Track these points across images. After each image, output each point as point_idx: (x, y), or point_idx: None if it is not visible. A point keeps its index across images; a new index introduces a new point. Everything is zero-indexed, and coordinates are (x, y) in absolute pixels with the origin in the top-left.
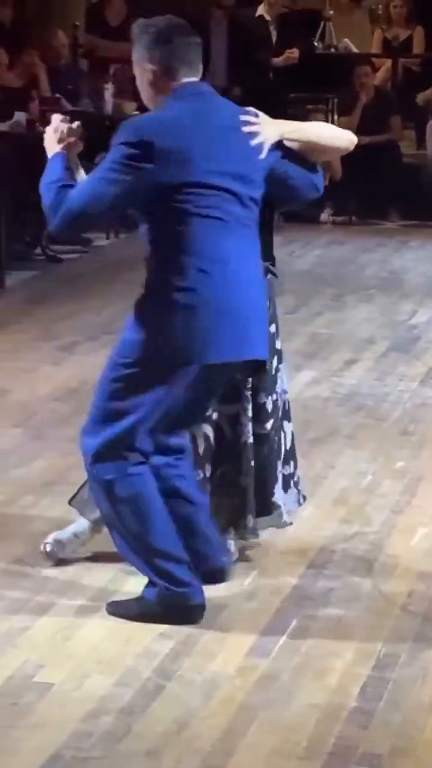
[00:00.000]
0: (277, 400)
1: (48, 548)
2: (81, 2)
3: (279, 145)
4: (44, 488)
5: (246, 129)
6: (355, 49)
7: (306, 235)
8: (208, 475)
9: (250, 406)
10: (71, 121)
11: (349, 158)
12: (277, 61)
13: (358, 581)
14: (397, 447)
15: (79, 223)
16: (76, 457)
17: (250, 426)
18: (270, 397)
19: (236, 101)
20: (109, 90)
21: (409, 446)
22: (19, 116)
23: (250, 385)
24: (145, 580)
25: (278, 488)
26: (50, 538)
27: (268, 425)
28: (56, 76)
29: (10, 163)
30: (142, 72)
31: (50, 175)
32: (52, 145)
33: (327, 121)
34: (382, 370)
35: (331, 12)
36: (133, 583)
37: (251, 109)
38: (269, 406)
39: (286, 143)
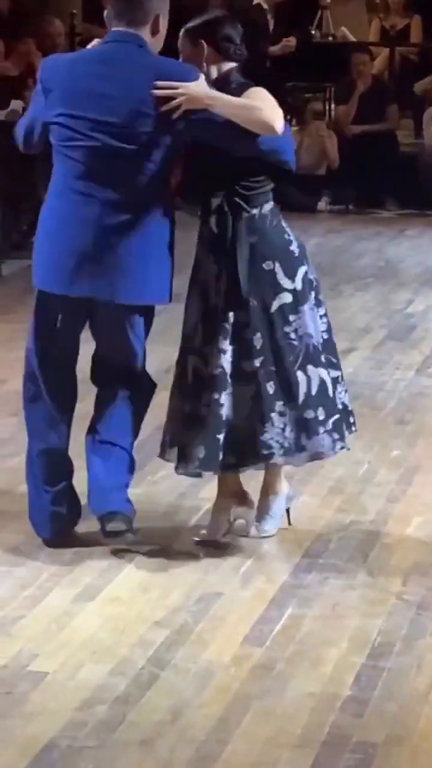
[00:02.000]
0: (276, 339)
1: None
2: None
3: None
4: None
5: (156, 93)
6: (352, 38)
7: (303, 224)
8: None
9: (228, 341)
10: None
11: (346, 147)
12: (274, 49)
13: (353, 570)
14: (393, 436)
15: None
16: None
17: (228, 360)
18: (258, 335)
19: None
20: None
21: (405, 435)
22: (16, 105)
23: (232, 321)
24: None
25: (271, 429)
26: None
27: (256, 363)
28: None
29: (7, 152)
30: None
31: None
32: None
33: (324, 109)
34: (379, 359)
35: (329, 0)
36: (129, 572)
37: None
38: (257, 344)
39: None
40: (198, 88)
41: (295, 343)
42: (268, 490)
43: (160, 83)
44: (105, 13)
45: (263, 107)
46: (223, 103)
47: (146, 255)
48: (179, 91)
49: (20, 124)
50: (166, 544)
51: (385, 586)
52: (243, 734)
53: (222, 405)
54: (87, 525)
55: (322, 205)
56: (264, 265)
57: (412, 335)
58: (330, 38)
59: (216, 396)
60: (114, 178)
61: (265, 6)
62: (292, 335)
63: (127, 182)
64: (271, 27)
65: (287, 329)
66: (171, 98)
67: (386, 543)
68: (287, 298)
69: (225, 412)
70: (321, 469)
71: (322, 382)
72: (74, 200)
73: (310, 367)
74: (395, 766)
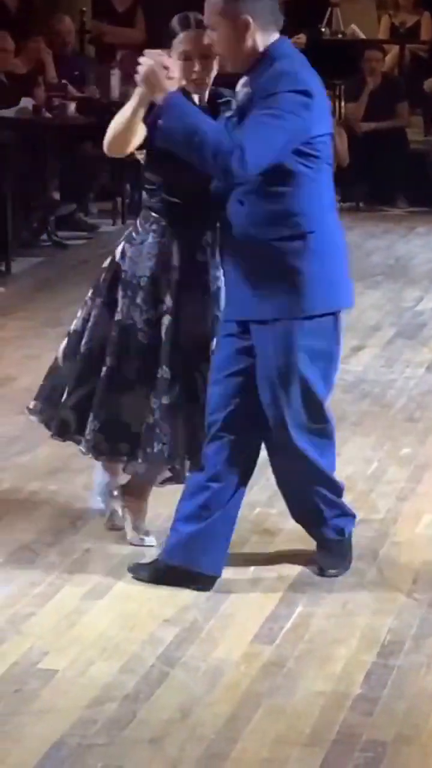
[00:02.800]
0: None
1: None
2: None
3: None
4: (49, 475)
5: None
6: (362, 35)
7: None
8: None
9: None
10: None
11: (356, 145)
12: None
13: (363, 568)
14: (403, 434)
15: (259, 168)
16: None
17: None
18: None
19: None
20: (115, 76)
21: (415, 433)
22: (26, 102)
23: None
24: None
25: None
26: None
27: None
28: (63, 62)
29: (17, 149)
30: (234, 26)
31: (199, 116)
32: (162, 83)
33: (333, 107)
34: (389, 357)
35: None
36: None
37: None
38: None
39: None
40: None
41: None
42: None
43: None
44: (250, 17)
45: None
46: None
47: None
48: None
49: (263, 142)
50: None
51: (395, 585)
52: (253, 732)
53: None
54: (96, 521)
55: None
56: None
57: (422, 333)
58: (340, 36)
59: None
60: None
61: None
62: None
63: None
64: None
65: None
66: None
67: (396, 541)
68: None
69: None
70: None
71: None
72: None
73: None
74: (405, 765)
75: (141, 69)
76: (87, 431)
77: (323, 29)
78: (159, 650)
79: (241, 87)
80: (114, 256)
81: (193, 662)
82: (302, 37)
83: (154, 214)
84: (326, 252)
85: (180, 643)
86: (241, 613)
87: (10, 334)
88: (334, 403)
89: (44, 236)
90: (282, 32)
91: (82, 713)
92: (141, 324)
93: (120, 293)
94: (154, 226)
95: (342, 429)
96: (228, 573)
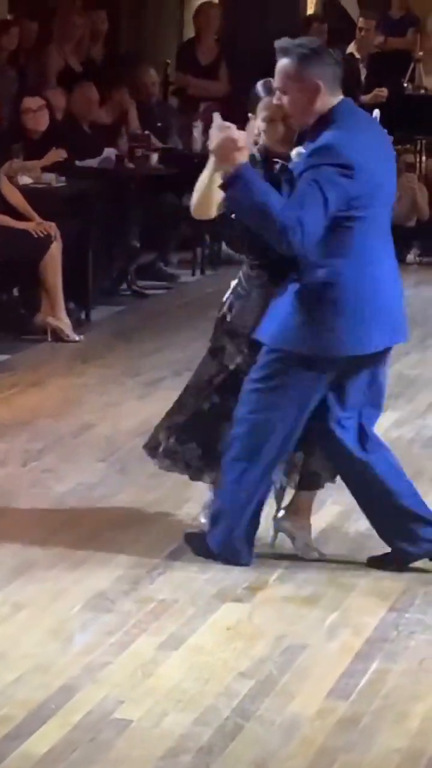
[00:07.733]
0: None
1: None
2: (172, 40)
3: None
4: (128, 522)
5: None
6: None
7: None
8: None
9: None
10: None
11: None
12: (365, 99)
13: None
14: None
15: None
16: (158, 492)
17: None
18: None
19: None
20: (198, 128)
21: None
22: (109, 152)
23: None
24: None
25: None
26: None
27: None
28: (146, 113)
29: (99, 199)
30: (306, 89)
31: (264, 190)
32: (231, 155)
33: (414, 161)
34: None
35: (422, 53)
36: (214, 621)
37: None
38: None
39: None
40: None
41: None
42: None
43: None
44: (320, 81)
45: None
46: None
47: None
48: None
49: None
50: (251, 592)
51: None
52: None
53: None
54: (171, 571)
55: (411, 257)
56: None
57: None
58: (422, 91)
59: None
60: None
61: (358, 56)
62: None
63: None
64: (363, 77)
65: None
66: None
67: None
68: None
69: None
70: None
71: None
72: None
73: None
74: None
75: (212, 141)
76: (187, 456)
77: (406, 84)
78: (234, 703)
79: (296, 151)
80: (222, 309)
81: (268, 716)
82: (384, 92)
83: (255, 270)
84: (344, 300)
85: (255, 696)
86: (317, 668)
87: (89, 382)
88: (412, 458)
89: (124, 285)
90: (365, 85)
91: (157, 764)
92: (245, 367)
93: (227, 341)
94: (257, 281)
95: (420, 484)
96: (303, 627)
